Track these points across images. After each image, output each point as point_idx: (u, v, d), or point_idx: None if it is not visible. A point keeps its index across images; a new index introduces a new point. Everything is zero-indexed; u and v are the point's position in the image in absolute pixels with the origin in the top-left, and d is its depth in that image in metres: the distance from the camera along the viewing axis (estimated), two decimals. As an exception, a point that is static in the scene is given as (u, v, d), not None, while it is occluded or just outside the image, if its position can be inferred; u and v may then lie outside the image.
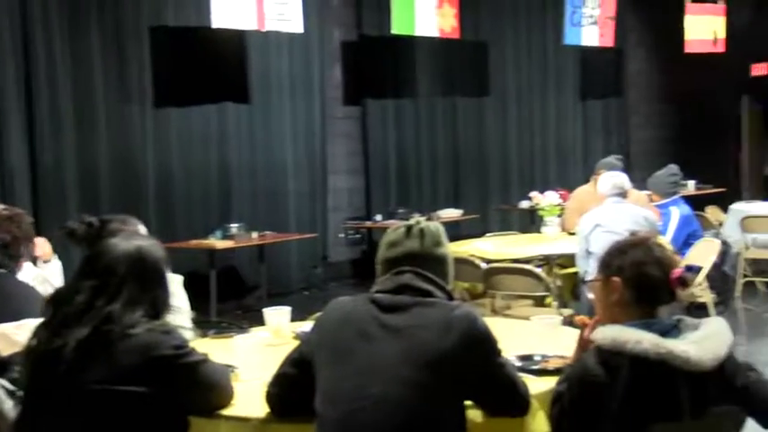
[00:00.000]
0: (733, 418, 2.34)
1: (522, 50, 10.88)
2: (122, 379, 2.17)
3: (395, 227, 2.40)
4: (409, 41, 9.06)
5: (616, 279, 2.30)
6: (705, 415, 2.23)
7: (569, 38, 8.95)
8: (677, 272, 2.30)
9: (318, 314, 2.34)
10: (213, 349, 2.71)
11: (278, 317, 3.17)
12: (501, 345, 2.26)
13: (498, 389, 2.23)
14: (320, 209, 9.17)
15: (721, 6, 10.29)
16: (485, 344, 2.19)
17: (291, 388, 2.25)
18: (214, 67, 7.95)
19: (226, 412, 2.31)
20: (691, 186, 11.02)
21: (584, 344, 2.39)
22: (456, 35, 7.91)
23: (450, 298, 2.30)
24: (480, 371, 2.18)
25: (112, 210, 3.97)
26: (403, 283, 2.24)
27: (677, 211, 6.32)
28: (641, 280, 2.29)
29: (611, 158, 6.70)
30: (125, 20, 7.48)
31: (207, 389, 2.29)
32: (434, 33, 7.66)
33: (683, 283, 2.31)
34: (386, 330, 2.15)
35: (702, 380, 2.19)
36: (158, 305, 2.33)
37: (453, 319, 2.16)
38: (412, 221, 2.39)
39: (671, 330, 2.25)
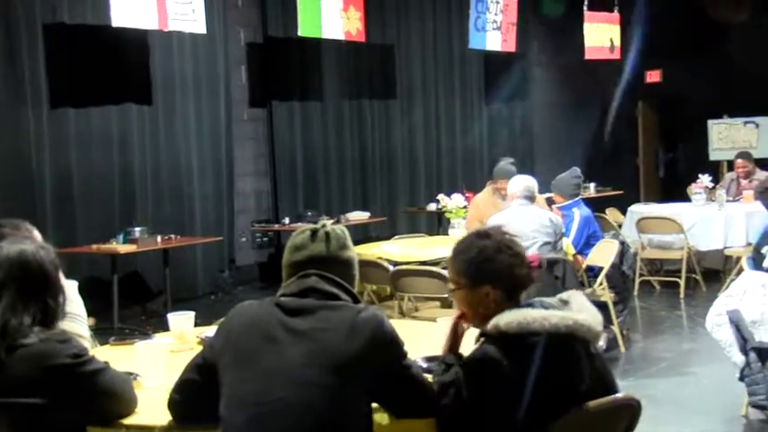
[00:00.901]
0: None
1: (429, 54, 11.03)
2: (17, 391, 2.09)
3: (300, 230, 2.39)
4: (316, 44, 9.04)
5: (488, 290, 2.35)
6: (601, 384, 2.34)
7: (474, 42, 9.09)
8: (534, 264, 2.41)
9: (223, 319, 2.31)
10: (114, 357, 2.65)
11: (182, 322, 3.11)
12: (408, 346, 2.27)
13: (405, 391, 2.24)
14: (227, 212, 9.06)
15: (616, 15, 10.65)
16: (391, 346, 2.20)
17: (195, 394, 2.22)
18: (115, 67, 7.75)
19: (128, 421, 2.26)
20: (591, 189, 11.38)
21: (458, 338, 2.45)
22: (362, 38, 7.94)
23: (356, 301, 2.30)
24: (386, 373, 2.19)
25: (6, 215, 3.81)
26: (308, 287, 2.23)
27: (578, 213, 6.47)
28: (515, 282, 2.37)
29: (505, 164, 6.84)
30: (17, 16, 7.22)
31: (108, 398, 2.23)
32: (340, 36, 7.66)
33: (539, 264, 2.42)
34: (291, 334, 2.14)
35: (588, 348, 2.31)
36: (50, 312, 2.24)
37: (359, 321, 2.16)
38: (317, 225, 2.38)
39: (548, 308, 2.32)
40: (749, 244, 7.45)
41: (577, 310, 2.34)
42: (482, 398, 2.24)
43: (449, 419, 2.28)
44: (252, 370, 2.12)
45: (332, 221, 6.41)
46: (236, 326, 2.22)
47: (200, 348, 2.46)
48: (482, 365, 2.26)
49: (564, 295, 2.45)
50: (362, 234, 9.61)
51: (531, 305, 2.31)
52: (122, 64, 7.84)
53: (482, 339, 2.32)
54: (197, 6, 6.73)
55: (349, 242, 2.38)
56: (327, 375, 2.09)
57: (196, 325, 3.24)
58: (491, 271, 2.36)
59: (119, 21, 6.34)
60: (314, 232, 2.34)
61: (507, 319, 2.24)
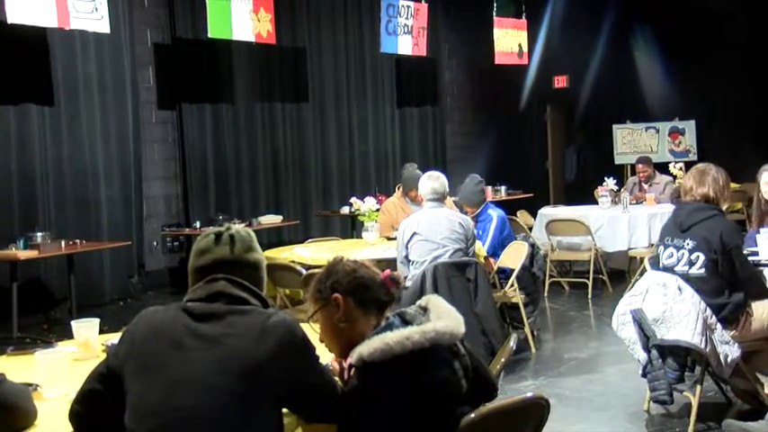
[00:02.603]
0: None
1: (341, 57, 11.03)
2: None
3: (204, 234, 2.35)
4: (226, 45, 8.93)
5: (336, 295, 2.38)
6: (479, 378, 2.41)
7: (385, 46, 9.17)
8: (386, 273, 2.45)
9: (127, 326, 2.25)
10: (12, 367, 2.57)
11: (86, 329, 3.01)
12: (320, 351, 2.26)
13: (315, 396, 2.23)
14: (135, 216, 8.85)
15: (524, 21, 10.91)
16: (301, 351, 2.18)
17: (98, 405, 2.14)
18: (11, 66, 7.48)
19: (27, 433, 2.18)
20: (502, 192, 11.59)
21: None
22: (273, 40, 7.88)
23: (266, 305, 2.28)
24: (296, 378, 2.16)
25: None
26: (216, 291, 2.19)
27: (495, 214, 6.55)
28: (359, 283, 2.40)
29: (412, 170, 6.90)
30: None
31: (5, 411, 2.14)
32: (251, 38, 7.58)
33: (395, 281, 2.46)
34: (199, 340, 2.10)
35: (454, 349, 2.36)
36: None
37: (269, 326, 2.14)
38: (221, 228, 2.35)
39: (411, 322, 2.34)
40: (652, 245, 7.75)
41: (437, 316, 2.36)
42: (367, 425, 2.25)
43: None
44: (158, 378, 2.06)
45: (243, 225, 6.32)
46: (141, 332, 2.16)
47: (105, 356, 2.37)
48: (357, 399, 2.25)
49: (423, 301, 2.46)
50: (275, 238, 9.54)
51: (390, 325, 2.32)
52: (20, 63, 7.57)
53: (352, 372, 2.30)
54: (100, 5, 6.56)
55: (255, 244, 2.36)
56: (237, 382, 2.05)
57: (104, 332, 3.15)
58: (333, 280, 2.40)
59: (14, 17, 6.11)
60: (218, 235, 2.30)
61: (369, 348, 2.23)
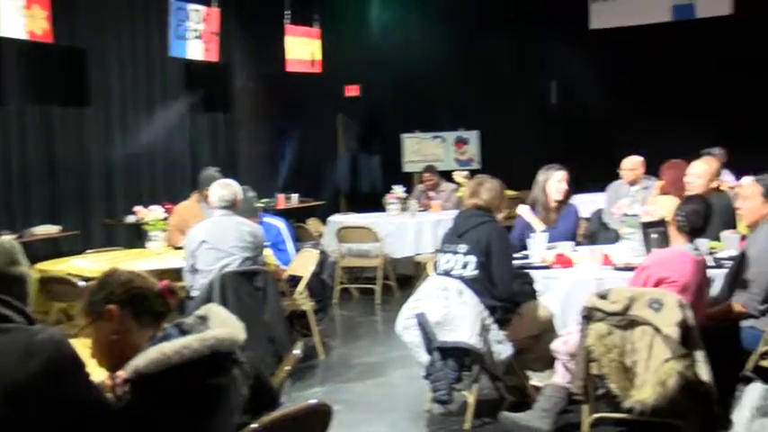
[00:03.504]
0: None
1: (127, 60, 10.61)
2: None
3: (-40, 246, 2.20)
4: (-6, 43, 8.32)
5: (110, 307, 2.33)
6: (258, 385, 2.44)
7: (174, 50, 8.92)
8: (164, 283, 2.45)
9: None
10: None
11: None
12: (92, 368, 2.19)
13: (87, 416, 2.12)
14: None
15: (317, 30, 11.05)
16: (70, 369, 2.09)
17: None
18: None
19: None
20: (294, 199, 11.66)
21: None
22: (49, 39, 7.43)
23: (31, 322, 2.16)
24: (66, 398, 2.07)
25: None
26: (-28, 308, 2.06)
27: (281, 223, 6.58)
28: (134, 293, 2.37)
29: (211, 171, 6.79)
30: None
31: None
32: (23, 36, 7.10)
33: (172, 291, 2.46)
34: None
35: (238, 357, 2.36)
36: None
37: (34, 344, 2.03)
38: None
39: (189, 332, 2.34)
40: (437, 251, 8.11)
41: (216, 325, 2.37)
42: None
43: None
44: None
45: (12, 236, 5.91)
46: None
47: None
48: (133, 413, 2.19)
49: (202, 311, 2.46)
50: (52, 249, 8.99)
51: (167, 336, 2.30)
52: None
53: (125, 388, 2.23)
54: None
55: (19, 257, 2.24)
56: (1, 406, 1.94)
57: None
58: (107, 291, 2.35)
59: None
60: (-24, 248, 2.17)
61: (145, 360, 2.18)
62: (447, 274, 4.61)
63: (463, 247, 4.59)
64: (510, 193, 5.79)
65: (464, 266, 4.56)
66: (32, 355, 2.01)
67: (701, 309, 4.03)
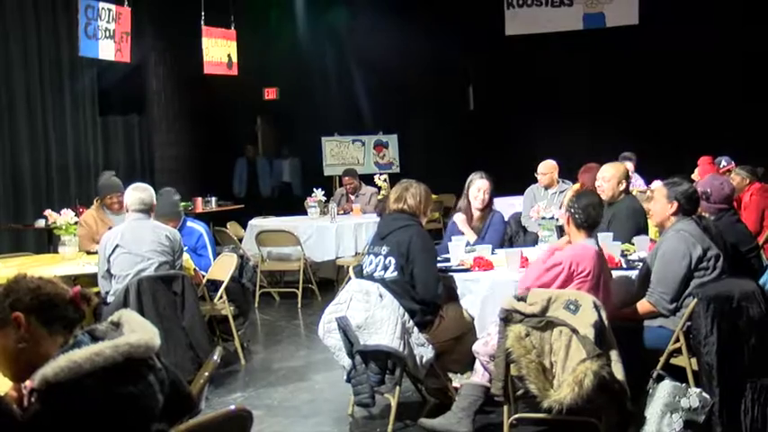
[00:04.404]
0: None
1: (33, 60, 10.27)
2: None
3: None
4: None
5: (17, 314, 2.26)
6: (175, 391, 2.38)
7: (84, 50, 8.65)
8: (76, 289, 2.39)
9: None
10: None
11: None
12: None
13: None
14: None
15: (233, 32, 10.93)
16: None
17: None
18: None
19: None
20: (213, 203, 11.50)
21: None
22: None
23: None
24: None
25: None
26: None
27: (202, 228, 6.48)
28: (43, 300, 2.29)
29: (109, 177, 6.72)
30: None
31: None
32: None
33: (85, 297, 2.39)
34: None
35: (154, 363, 2.31)
36: None
37: None
38: None
39: (102, 338, 2.28)
40: (358, 254, 8.12)
41: (130, 330, 2.33)
42: None
43: None
44: None
45: None
46: None
47: None
48: (42, 424, 2.11)
49: (115, 317, 2.41)
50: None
51: (78, 343, 2.24)
52: None
53: (33, 398, 2.16)
54: None
55: None
56: None
57: None
58: (13, 299, 2.27)
59: None
60: None
61: (54, 368, 2.12)
62: (370, 275, 4.63)
63: (385, 249, 4.62)
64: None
65: (385, 269, 4.59)
66: None
67: (609, 302, 4.14)
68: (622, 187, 5.81)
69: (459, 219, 5.83)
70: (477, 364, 4.45)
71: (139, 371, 2.24)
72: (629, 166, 8.38)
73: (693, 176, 7.67)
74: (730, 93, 11.68)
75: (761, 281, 4.44)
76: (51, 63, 10.53)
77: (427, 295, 4.56)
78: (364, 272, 4.69)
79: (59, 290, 2.33)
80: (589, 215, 4.31)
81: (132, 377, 2.21)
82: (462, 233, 5.71)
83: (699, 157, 8.43)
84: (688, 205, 4.48)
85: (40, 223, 8.75)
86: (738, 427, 3.92)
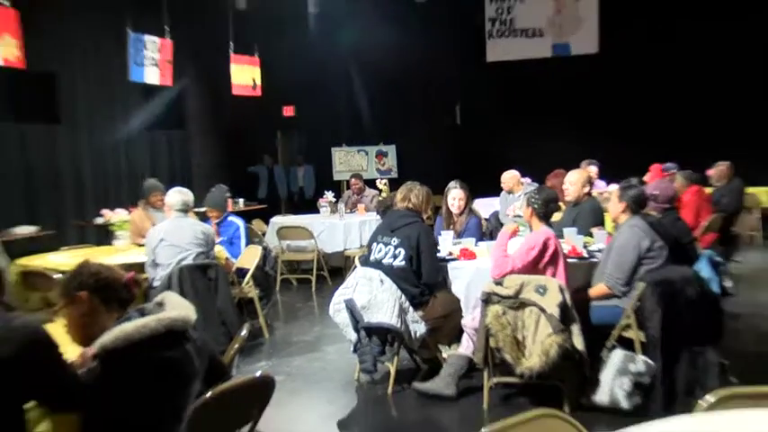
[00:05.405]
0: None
1: (92, 83, 10.32)
2: None
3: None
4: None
5: (82, 293, 2.33)
6: (207, 357, 2.44)
7: (133, 75, 8.70)
8: (130, 274, 2.46)
9: None
10: None
11: None
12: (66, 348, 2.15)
13: (61, 388, 2.11)
14: None
15: (257, 59, 10.97)
16: (44, 349, 2.08)
17: None
18: None
19: None
20: (241, 203, 11.52)
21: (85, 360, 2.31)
22: (22, 65, 7.15)
23: (10, 309, 2.12)
24: (41, 374, 2.05)
25: None
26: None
27: (241, 223, 6.53)
28: (102, 282, 2.37)
29: (151, 180, 6.74)
30: None
31: None
32: (-1, 62, 6.83)
33: (137, 282, 2.48)
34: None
35: (191, 335, 2.35)
36: None
37: (11, 329, 2.00)
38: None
39: (149, 313, 2.34)
40: (362, 246, 8.15)
41: (171, 308, 2.38)
42: (116, 406, 2.19)
43: (92, 418, 2.19)
44: None
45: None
46: None
47: None
48: (101, 384, 2.18)
49: (159, 298, 2.48)
50: (32, 247, 8.69)
51: (129, 318, 2.30)
52: None
53: (95, 361, 2.22)
54: None
55: (-3, 251, 2.20)
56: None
57: None
58: (78, 281, 2.34)
59: None
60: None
61: (110, 337, 2.19)
62: (378, 261, 4.67)
63: (395, 241, 4.66)
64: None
65: (394, 257, 4.64)
66: (9, 339, 1.99)
67: (566, 274, 4.20)
68: (586, 190, 5.83)
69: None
70: (464, 338, 4.48)
71: (179, 340, 2.30)
72: (594, 170, 8.41)
73: (645, 178, 7.69)
74: (676, 108, 11.71)
75: (696, 267, 4.48)
76: (107, 85, 10.56)
77: (430, 280, 4.63)
78: (372, 257, 4.73)
79: (116, 275, 2.40)
80: (548, 207, 4.39)
81: (173, 345, 2.27)
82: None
83: (651, 163, 8.45)
84: (635, 205, 4.52)
85: (99, 221, 8.79)
86: (676, 388, 3.96)
